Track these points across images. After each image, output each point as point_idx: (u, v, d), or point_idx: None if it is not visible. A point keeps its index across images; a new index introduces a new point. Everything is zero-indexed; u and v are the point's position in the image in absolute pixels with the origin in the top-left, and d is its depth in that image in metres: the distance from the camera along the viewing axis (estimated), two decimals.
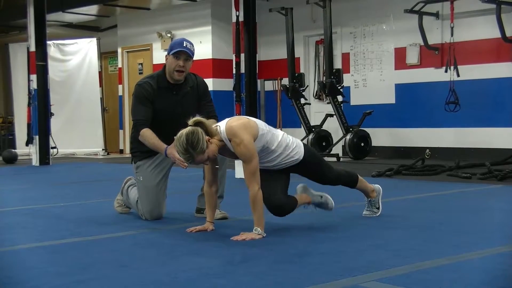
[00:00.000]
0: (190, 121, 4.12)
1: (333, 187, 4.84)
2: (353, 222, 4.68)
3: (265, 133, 4.26)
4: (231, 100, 9.06)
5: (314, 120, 12.40)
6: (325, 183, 4.72)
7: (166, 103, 4.92)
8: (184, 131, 4.08)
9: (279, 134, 4.38)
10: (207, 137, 4.10)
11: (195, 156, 4.07)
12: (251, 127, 4.18)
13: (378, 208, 4.93)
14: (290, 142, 4.42)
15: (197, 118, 4.15)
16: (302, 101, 11.68)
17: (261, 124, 4.29)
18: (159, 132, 4.78)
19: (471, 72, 10.51)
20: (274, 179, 4.40)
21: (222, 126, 4.19)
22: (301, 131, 11.86)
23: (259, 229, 4.10)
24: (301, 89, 11.47)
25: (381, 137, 11.66)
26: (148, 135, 4.81)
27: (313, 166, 4.55)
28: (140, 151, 5.02)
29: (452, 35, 10.14)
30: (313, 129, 11.49)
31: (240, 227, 4.37)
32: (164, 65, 5.01)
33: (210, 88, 11.96)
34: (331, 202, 4.75)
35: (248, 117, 4.35)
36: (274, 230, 4.32)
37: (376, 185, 4.95)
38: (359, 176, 4.82)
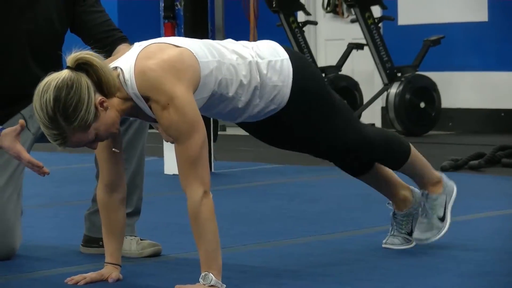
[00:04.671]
0: (69, 59, 2.78)
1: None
2: (387, 261, 3.37)
3: (213, 70, 2.87)
4: (156, 18, 8.15)
5: (325, 55, 10.11)
6: (328, 154, 3.33)
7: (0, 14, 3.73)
8: (52, 80, 2.71)
9: (240, 64, 2.96)
10: (99, 97, 2.76)
11: (69, 133, 2.72)
12: (186, 67, 2.80)
13: (442, 219, 3.52)
14: (264, 76, 3.01)
15: (82, 53, 2.78)
16: (301, 17, 9.44)
17: (200, 49, 2.86)
18: None
19: None
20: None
21: (127, 65, 2.80)
22: None
23: (211, 275, 2.79)
24: None
25: (461, 90, 9.13)
26: None
27: (305, 119, 3.23)
28: None
29: None
30: (324, 73, 8.90)
31: (176, 272, 3.11)
32: None
33: None
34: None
35: (175, 39, 2.98)
36: (241, 273, 3.07)
37: (445, 177, 3.67)
38: (412, 148, 3.64)
